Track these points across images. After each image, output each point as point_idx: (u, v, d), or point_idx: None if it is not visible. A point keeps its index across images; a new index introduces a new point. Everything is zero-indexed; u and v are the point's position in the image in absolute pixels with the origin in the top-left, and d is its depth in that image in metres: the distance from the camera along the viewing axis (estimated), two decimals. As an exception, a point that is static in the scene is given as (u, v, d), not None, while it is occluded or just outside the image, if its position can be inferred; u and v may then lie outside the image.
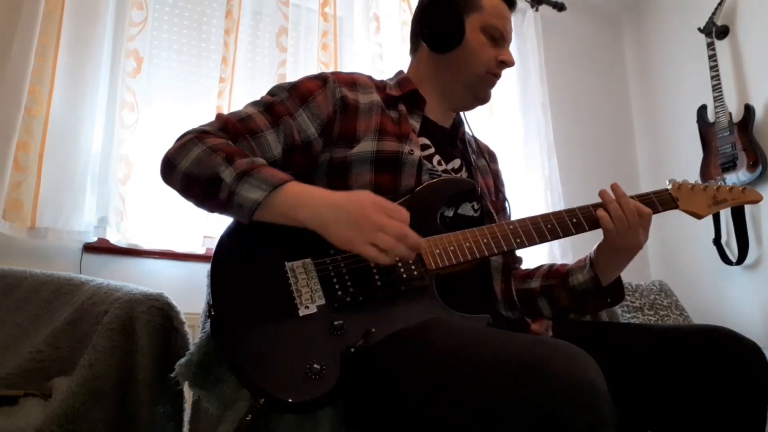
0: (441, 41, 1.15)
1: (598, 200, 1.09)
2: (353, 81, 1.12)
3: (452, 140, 1.22)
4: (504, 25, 1.16)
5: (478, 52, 1.14)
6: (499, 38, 1.16)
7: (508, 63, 1.17)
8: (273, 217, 0.89)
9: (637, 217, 1.04)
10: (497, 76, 1.18)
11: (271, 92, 1.09)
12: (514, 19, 3.09)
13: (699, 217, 1.17)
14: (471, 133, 1.30)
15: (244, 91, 2.17)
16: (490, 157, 1.33)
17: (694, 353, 0.90)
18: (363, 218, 0.85)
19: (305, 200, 0.88)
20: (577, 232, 1.06)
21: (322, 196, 0.89)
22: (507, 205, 1.27)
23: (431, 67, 1.19)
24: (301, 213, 0.87)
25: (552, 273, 1.17)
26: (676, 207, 1.14)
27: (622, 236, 1.04)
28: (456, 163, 1.17)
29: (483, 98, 1.20)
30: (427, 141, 1.13)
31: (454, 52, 1.14)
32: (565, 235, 1.05)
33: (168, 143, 1.00)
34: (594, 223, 1.06)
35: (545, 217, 1.05)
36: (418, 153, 1.07)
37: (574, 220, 1.06)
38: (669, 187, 1.16)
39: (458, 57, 1.15)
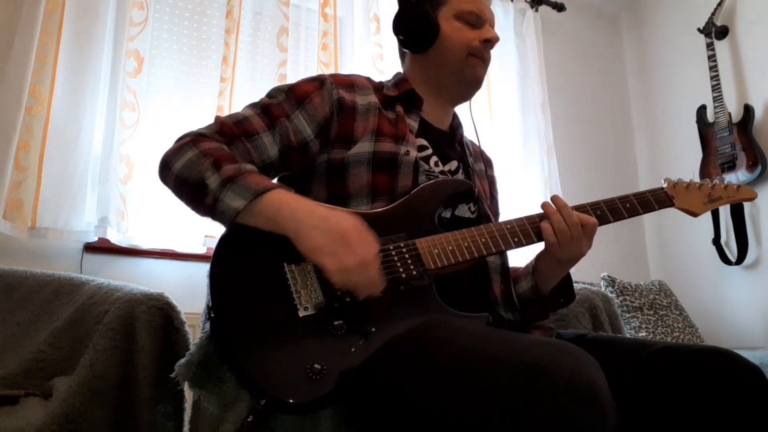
0: (418, 42, 1.16)
1: (598, 199, 1.10)
2: (351, 82, 1.13)
3: (450, 142, 1.22)
4: (477, 8, 1.16)
5: (455, 37, 1.15)
6: (475, 21, 1.16)
7: (492, 40, 1.16)
8: (255, 222, 0.90)
9: (580, 229, 1.03)
10: (483, 58, 1.17)
11: (269, 94, 1.10)
12: (514, 20, 3.09)
13: (695, 215, 1.18)
14: (468, 138, 1.30)
15: (245, 91, 2.17)
16: (486, 162, 1.34)
17: (696, 375, 0.88)
18: (337, 231, 0.86)
19: (287, 206, 0.89)
20: None
21: (305, 205, 0.90)
22: (499, 213, 1.28)
23: (418, 69, 1.20)
24: (280, 217, 0.88)
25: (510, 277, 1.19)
26: (672, 205, 1.15)
27: (565, 247, 1.03)
28: (453, 164, 1.17)
29: (474, 80, 1.19)
30: (425, 142, 1.14)
31: (434, 47, 1.15)
32: None
33: (169, 143, 1.01)
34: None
35: (542, 216, 1.05)
36: (414, 154, 1.08)
37: None
38: (664, 185, 1.17)
39: (438, 50, 1.16)
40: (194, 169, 0.93)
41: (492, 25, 1.19)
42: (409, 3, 1.17)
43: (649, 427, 0.91)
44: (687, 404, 0.88)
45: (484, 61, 1.18)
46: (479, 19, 1.16)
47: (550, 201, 1.06)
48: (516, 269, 1.21)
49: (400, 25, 1.19)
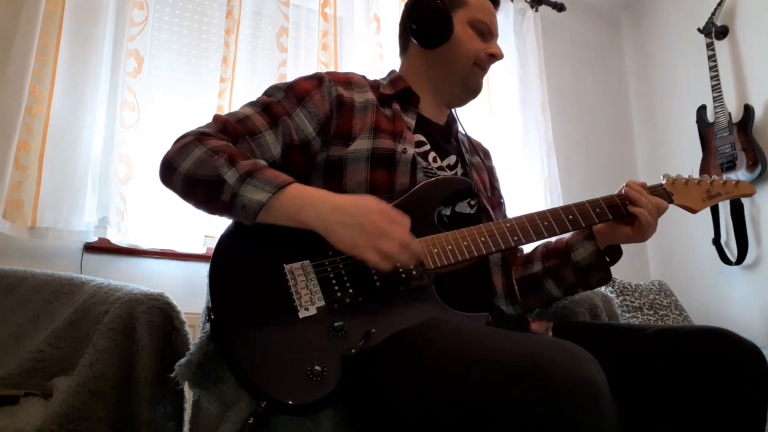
0: (430, 37, 1.17)
1: (597, 197, 1.10)
2: (348, 80, 1.13)
3: (447, 137, 1.23)
4: (490, 20, 1.19)
5: (467, 44, 1.17)
6: (486, 32, 1.19)
7: (497, 56, 1.19)
8: (276, 218, 0.89)
9: (658, 210, 1.11)
10: (484, 69, 1.21)
11: (267, 93, 1.09)
12: (514, 20, 3.09)
13: (694, 211, 1.18)
14: (464, 132, 1.31)
15: (245, 91, 2.17)
16: (484, 154, 1.34)
17: (694, 355, 0.89)
18: (369, 223, 0.86)
19: (310, 202, 0.89)
20: (573, 229, 1.08)
21: (326, 199, 0.90)
22: (502, 201, 1.28)
23: (422, 64, 1.20)
24: (305, 215, 0.88)
25: (551, 252, 1.19)
26: (671, 202, 1.15)
27: (652, 229, 1.10)
28: (451, 159, 1.18)
29: (475, 90, 1.22)
30: (422, 138, 1.14)
31: (444, 46, 1.16)
32: (562, 232, 1.07)
33: (169, 143, 1.00)
34: (590, 219, 1.08)
35: (541, 215, 1.06)
36: (411, 151, 1.08)
37: (570, 216, 1.07)
38: (663, 182, 1.17)
39: (448, 51, 1.17)
40: (207, 167, 0.92)
41: (496, 39, 1.22)
42: None
43: (649, 407, 0.92)
44: (685, 385, 0.89)
45: (485, 72, 1.21)
46: (489, 32, 1.19)
47: (630, 185, 1.12)
48: (559, 240, 1.20)
49: (416, 13, 1.18)
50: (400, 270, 0.93)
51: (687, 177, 1.18)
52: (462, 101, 1.25)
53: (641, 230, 1.09)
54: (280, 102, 1.06)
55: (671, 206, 1.16)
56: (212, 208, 0.94)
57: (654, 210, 1.10)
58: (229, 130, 1.00)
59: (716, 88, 2.83)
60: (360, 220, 0.86)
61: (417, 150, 1.10)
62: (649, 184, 1.17)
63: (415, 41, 1.19)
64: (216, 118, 1.04)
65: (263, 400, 0.79)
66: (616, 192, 1.13)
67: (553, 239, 1.17)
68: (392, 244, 0.85)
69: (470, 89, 1.22)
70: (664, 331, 0.96)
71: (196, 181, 0.93)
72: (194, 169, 0.93)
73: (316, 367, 0.81)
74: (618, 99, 3.50)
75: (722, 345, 0.89)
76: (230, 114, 1.05)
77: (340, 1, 2.45)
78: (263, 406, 0.79)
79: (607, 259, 1.15)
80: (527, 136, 2.85)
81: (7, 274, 1.38)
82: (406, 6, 1.22)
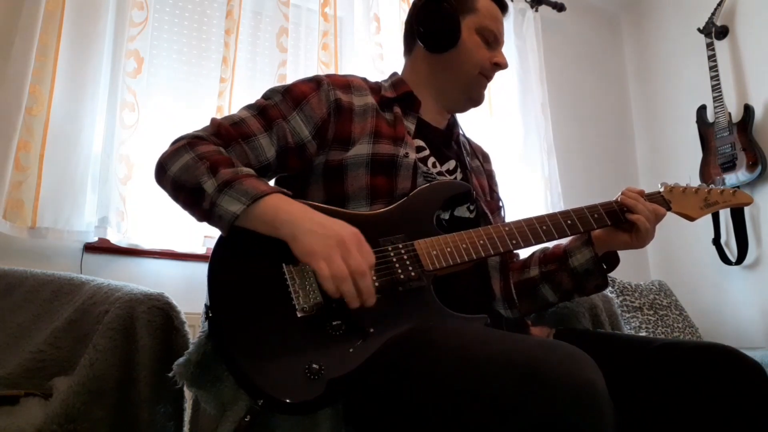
0: (437, 41, 1.16)
1: (598, 201, 1.11)
2: (347, 83, 1.13)
3: (447, 141, 1.23)
4: (498, 28, 1.19)
5: (473, 53, 1.16)
6: (492, 41, 1.18)
7: (501, 65, 1.19)
8: (253, 226, 0.89)
9: (656, 217, 1.11)
10: (489, 78, 1.20)
11: (265, 96, 1.09)
12: (514, 20, 3.09)
13: (691, 219, 1.18)
14: (464, 135, 1.31)
15: (245, 91, 2.17)
16: (484, 157, 1.34)
17: (696, 371, 0.89)
18: (335, 238, 0.84)
19: (285, 211, 0.88)
20: (572, 234, 1.08)
21: (304, 211, 0.90)
22: (501, 204, 1.28)
23: (426, 67, 1.20)
24: (278, 221, 0.88)
25: (548, 257, 1.19)
26: (669, 209, 1.15)
27: (651, 235, 1.10)
28: (451, 164, 1.17)
29: (477, 99, 1.22)
30: (422, 143, 1.14)
31: (450, 52, 1.16)
32: (560, 237, 1.07)
33: (169, 143, 1.01)
34: (588, 225, 1.08)
35: (540, 219, 1.06)
36: (413, 156, 1.08)
37: (569, 221, 1.07)
38: (661, 189, 1.18)
39: (454, 57, 1.16)
40: (191, 173, 0.92)
41: (501, 48, 1.21)
42: None
43: (650, 423, 0.92)
44: (688, 400, 0.89)
45: (489, 81, 1.21)
46: (496, 41, 1.19)
47: (626, 194, 1.11)
48: (557, 246, 1.19)
49: (424, 16, 1.17)
50: (397, 266, 0.93)
51: (685, 185, 1.19)
52: (463, 109, 1.25)
53: (639, 237, 1.09)
54: (277, 105, 1.06)
55: (668, 212, 1.17)
56: (195, 213, 0.95)
57: (652, 216, 1.09)
58: (222, 133, 1.01)
59: (716, 88, 2.83)
60: (328, 232, 0.85)
61: (417, 155, 1.10)
62: (649, 184, 1.17)
63: (421, 44, 1.18)
64: (212, 121, 1.04)
65: (260, 398, 0.79)
66: (614, 196, 1.13)
67: (550, 244, 1.17)
68: (346, 267, 0.82)
69: (473, 98, 1.21)
70: (667, 346, 0.95)
71: (181, 186, 0.94)
72: (180, 174, 0.94)
73: (314, 366, 0.81)
74: (618, 99, 3.50)
75: (725, 362, 0.89)
76: (226, 117, 1.05)
77: (340, 1, 2.45)
78: (260, 404, 0.79)
79: (605, 266, 1.15)
80: (527, 136, 2.85)
81: (7, 274, 1.38)
82: (414, 6, 1.21)
